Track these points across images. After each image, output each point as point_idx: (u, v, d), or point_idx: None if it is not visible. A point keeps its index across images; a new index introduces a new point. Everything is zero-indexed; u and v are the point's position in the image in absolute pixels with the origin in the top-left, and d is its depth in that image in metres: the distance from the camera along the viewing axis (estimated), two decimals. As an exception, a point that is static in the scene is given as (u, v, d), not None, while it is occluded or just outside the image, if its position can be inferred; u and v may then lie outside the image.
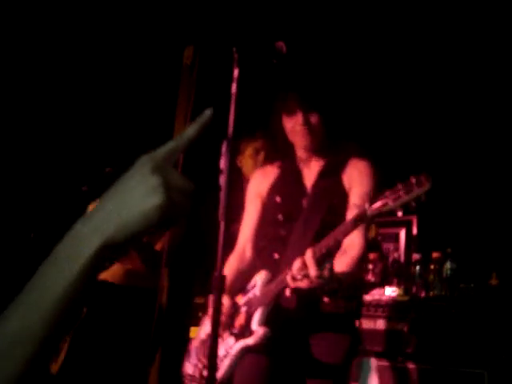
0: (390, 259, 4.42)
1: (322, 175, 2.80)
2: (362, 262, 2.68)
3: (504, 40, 4.35)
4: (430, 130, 4.71)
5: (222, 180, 2.02)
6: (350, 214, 2.56)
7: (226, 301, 2.60)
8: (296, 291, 2.47)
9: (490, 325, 3.82)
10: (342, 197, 2.72)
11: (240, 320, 2.61)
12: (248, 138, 3.93)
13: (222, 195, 1.99)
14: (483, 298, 3.97)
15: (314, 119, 2.71)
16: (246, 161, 3.93)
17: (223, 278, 1.90)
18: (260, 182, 2.97)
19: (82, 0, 4.95)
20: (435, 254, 4.17)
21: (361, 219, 2.20)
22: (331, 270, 2.29)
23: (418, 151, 4.59)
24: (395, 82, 4.80)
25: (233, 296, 2.72)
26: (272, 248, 2.76)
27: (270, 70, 2.45)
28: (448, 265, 4.08)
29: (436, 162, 4.46)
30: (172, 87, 5.30)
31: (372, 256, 4.37)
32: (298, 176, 2.86)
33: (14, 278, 4.69)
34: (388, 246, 4.62)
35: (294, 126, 2.74)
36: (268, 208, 2.88)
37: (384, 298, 4.15)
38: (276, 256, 2.73)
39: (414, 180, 2.09)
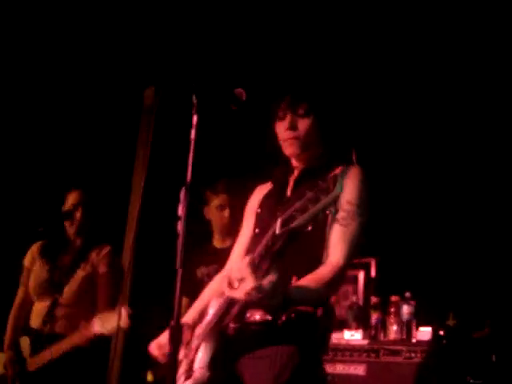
0: (349, 302, 4.42)
1: (299, 180, 2.48)
2: (331, 284, 2.20)
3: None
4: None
5: (180, 227, 1.99)
6: (330, 229, 2.27)
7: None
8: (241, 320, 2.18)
9: (449, 366, 3.84)
10: None
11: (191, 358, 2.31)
12: (211, 188, 3.87)
13: (180, 242, 1.97)
14: (441, 340, 4.00)
15: (303, 123, 2.43)
16: (212, 213, 3.89)
17: (180, 328, 1.86)
18: (254, 198, 2.68)
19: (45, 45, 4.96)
20: (393, 298, 4.19)
21: (274, 242, 1.89)
22: (276, 283, 1.93)
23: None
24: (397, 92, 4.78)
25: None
26: None
27: (229, 117, 2.47)
28: (406, 309, 4.10)
29: (394, 207, 4.50)
30: (132, 127, 5.30)
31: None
32: (283, 186, 2.53)
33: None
34: (347, 287, 4.63)
35: (281, 132, 2.47)
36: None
37: (342, 341, 4.14)
38: None
39: (321, 185, 1.75)
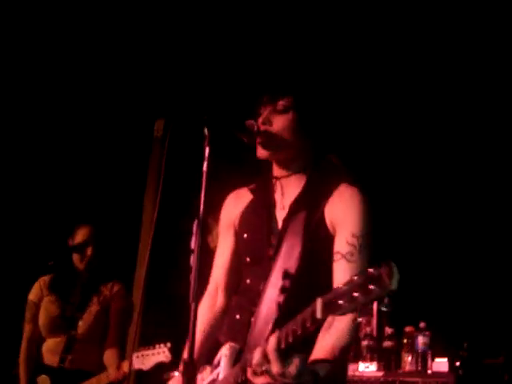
0: (363, 333, 4.36)
1: (296, 206, 2.21)
2: (353, 337, 2.05)
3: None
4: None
5: (193, 260, 1.96)
6: (337, 266, 2.05)
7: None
8: None
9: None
10: (324, 238, 2.13)
11: None
12: (214, 215, 3.84)
13: (193, 276, 1.94)
14: (457, 371, 3.94)
15: (279, 119, 2.21)
16: (216, 242, 3.85)
17: (194, 364, 1.82)
18: (231, 210, 2.43)
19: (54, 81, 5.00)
20: (408, 328, 4.14)
21: (312, 321, 1.69)
22: (302, 365, 1.79)
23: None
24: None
25: (201, 364, 2.25)
26: (241, 303, 2.27)
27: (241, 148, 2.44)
28: (420, 339, 4.04)
29: (409, 237, 4.47)
30: (142, 159, 5.31)
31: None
32: (269, 204, 2.29)
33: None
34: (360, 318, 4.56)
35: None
36: (239, 245, 2.37)
37: (357, 373, 4.08)
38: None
39: (373, 274, 1.52)
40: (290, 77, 2.39)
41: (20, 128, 5.28)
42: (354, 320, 1.96)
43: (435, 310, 4.30)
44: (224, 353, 2.17)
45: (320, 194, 2.20)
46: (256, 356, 1.81)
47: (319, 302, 1.64)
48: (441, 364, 3.96)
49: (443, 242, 4.50)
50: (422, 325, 4.10)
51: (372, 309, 1.56)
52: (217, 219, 3.84)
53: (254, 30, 4.48)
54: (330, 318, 1.94)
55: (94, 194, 5.37)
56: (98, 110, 5.31)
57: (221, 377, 2.12)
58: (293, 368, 1.77)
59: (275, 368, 1.75)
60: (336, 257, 2.08)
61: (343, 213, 2.13)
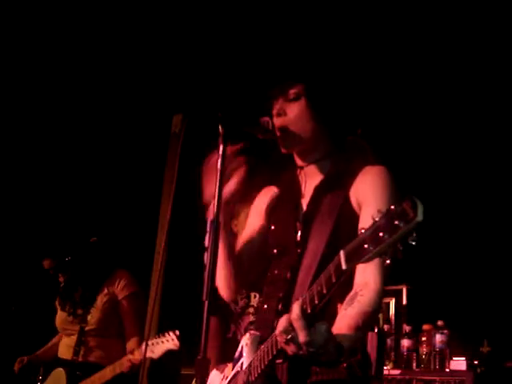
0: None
1: (320, 190, 2.22)
2: (376, 310, 2.05)
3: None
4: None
5: (207, 258, 1.96)
6: None
7: None
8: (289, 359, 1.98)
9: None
10: (350, 217, 2.12)
11: None
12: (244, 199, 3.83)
13: (206, 274, 1.93)
14: (475, 369, 3.90)
15: (292, 107, 2.23)
16: (242, 226, 3.84)
17: (207, 361, 1.82)
18: (262, 202, 2.44)
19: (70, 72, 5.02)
20: (426, 326, 4.11)
21: (338, 275, 1.63)
22: (327, 332, 1.76)
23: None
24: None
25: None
26: (268, 292, 2.26)
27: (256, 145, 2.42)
28: (438, 337, 4.01)
29: (427, 233, 4.41)
30: (160, 155, 5.31)
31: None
32: (294, 194, 2.30)
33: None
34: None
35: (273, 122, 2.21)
36: (266, 233, 2.37)
37: (374, 371, 4.05)
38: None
39: (396, 210, 1.44)
40: (297, 65, 2.39)
41: (40, 123, 5.31)
42: (377, 296, 1.97)
43: (454, 308, 4.25)
44: (245, 342, 2.14)
45: (345, 175, 2.21)
46: (282, 323, 1.77)
47: (342, 253, 1.60)
48: (459, 363, 3.92)
49: (462, 237, 4.44)
50: (440, 323, 4.07)
51: (400, 249, 1.45)
52: (244, 204, 3.83)
53: (265, 25, 4.45)
54: (352, 293, 2.00)
55: (112, 189, 5.39)
56: (116, 105, 5.33)
57: (245, 366, 2.08)
58: (319, 336, 1.74)
59: (301, 337, 1.72)
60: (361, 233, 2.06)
61: (369, 190, 2.14)
